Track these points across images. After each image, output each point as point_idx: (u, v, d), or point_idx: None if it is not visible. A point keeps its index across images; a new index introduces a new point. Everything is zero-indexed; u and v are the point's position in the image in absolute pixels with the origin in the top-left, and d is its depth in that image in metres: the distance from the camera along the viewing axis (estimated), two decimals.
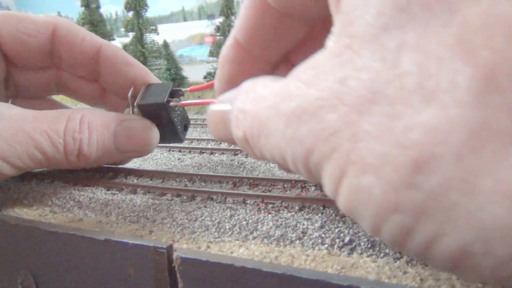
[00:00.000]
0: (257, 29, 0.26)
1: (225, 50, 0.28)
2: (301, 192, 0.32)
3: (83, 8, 1.57)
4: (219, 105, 0.26)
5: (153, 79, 0.38)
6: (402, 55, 0.14)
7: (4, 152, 0.31)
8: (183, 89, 0.36)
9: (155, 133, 0.37)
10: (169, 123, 0.36)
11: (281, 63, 0.30)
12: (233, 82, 0.29)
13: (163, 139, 0.38)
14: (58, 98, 0.47)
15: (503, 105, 0.12)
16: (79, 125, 0.34)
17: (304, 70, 0.18)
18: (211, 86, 0.35)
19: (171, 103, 0.35)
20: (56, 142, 0.33)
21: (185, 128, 0.39)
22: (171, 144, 0.57)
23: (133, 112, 0.36)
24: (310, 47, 0.30)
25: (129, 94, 0.36)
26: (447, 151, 0.12)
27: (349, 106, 0.15)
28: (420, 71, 0.13)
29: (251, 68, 0.28)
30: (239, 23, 0.27)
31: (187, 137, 0.61)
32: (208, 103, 0.34)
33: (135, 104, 0.36)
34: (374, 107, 0.14)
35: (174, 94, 0.35)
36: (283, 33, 0.27)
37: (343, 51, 0.16)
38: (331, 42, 0.17)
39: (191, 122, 0.78)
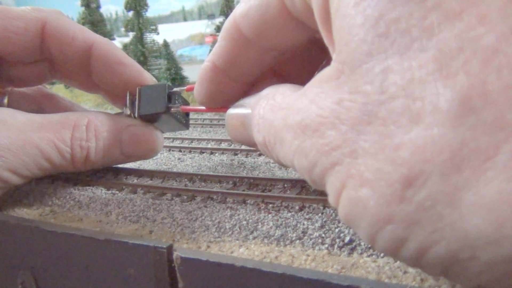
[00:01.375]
0: (235, 58, 0.27)
1: (203, 71, 0.29)
2: (301, 192, 0.32)
3: (83, 8, 1.57)
4: (239, 109, 0.27)
5: (147, 78, 0.37)
6: (388, 78, 0.15)
7: (13, 165, 0.31)
8: (179, 89, 0.35)
9: (159, 138, 0.38)
10: (172, 120, 0.36)
11: (267, 76, 0.30)
12: (212, 97, 0.30)
13: (170, 131, 0.39)
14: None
15: (478, 125, 0.13)
16: (86, 132, 0.34)
17: (311, 86, 0.19)
18: None
19: (172, 109, 0.35)
20: (63, 151, 0.33)
21: (187, 114, 0.38)
22: (171, 144, 0.57)
23: (130, 112, 0.36)
24: (301, 60, 0.31)
25: (127, 97, 0.36)
26: (433, 169, 0.14)
27: (347, 125, 0.16)
28: (405, 94, 0.15)
29: (228, 87, 0.29)
30: (217, 49, 0.27)
31: (187, 136, 0.62)
32: (208, 110, 0.34)
33: (136, 116, 0.36)
34: (369, 127, 0.16)
35: (171, 95, 0.35)
36: (262, 60, 0.27)
37: (338, 75, 0.17)
38: (331, 65, 0.18)
39: (192, 122, 0.78)
